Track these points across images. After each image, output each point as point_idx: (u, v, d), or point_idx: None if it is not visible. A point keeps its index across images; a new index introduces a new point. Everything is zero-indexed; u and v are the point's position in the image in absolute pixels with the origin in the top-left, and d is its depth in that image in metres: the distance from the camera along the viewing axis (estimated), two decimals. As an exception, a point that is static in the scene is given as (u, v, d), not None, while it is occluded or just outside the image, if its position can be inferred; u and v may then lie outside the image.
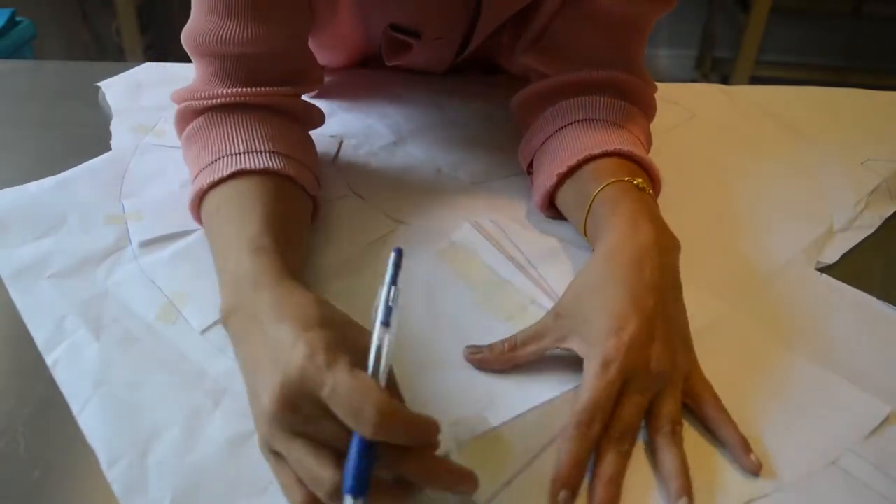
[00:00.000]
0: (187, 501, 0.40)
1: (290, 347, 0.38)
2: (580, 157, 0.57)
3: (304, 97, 0.63)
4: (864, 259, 0.59)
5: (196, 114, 0.58)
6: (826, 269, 0.57)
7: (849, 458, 0.43)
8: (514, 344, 0.48)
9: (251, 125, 0.56)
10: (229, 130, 0.56)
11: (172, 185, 0.63)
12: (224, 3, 0.55)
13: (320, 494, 0.36)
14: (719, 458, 0.43)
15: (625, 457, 0.43)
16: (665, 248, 0.50)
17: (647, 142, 0.63)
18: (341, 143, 0.70)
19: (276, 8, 0.57)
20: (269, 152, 0.54)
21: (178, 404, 0.45)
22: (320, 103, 0.75)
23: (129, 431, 0.43)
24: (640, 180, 0.55)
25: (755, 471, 0.42)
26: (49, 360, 0.48)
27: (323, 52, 0.73)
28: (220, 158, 0.54)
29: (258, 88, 0.57)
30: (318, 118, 0.64)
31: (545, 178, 0.60)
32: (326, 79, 0.80)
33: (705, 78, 2.40)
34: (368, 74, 0.81)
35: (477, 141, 0.71)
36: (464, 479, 0.37)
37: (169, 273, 0.54)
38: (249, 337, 0.42)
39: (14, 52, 1.59)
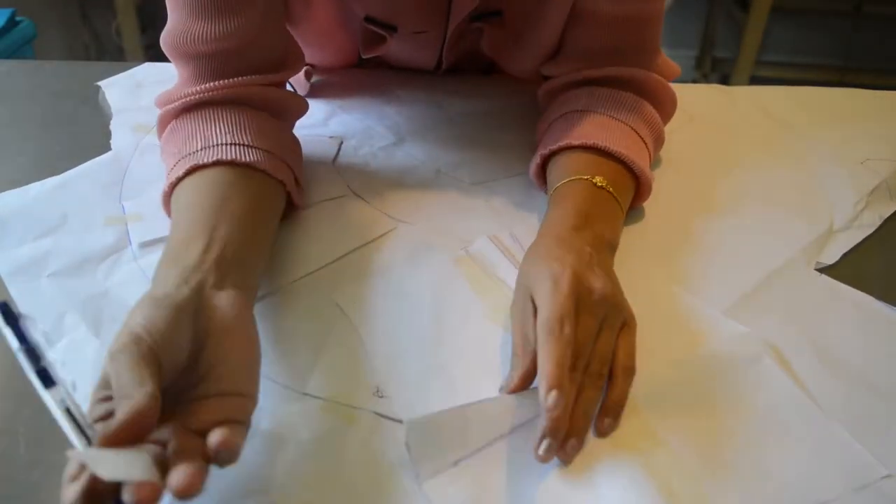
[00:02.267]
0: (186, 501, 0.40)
1: None
2: (561, 144, 0.60)
3: (303, 91, 0.65)
4: (863, 259, 0.59)
5: (170, 117, 0.59)
6: (826, 270, 0.57)
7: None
8: (519, 349, 0.47)
9: (215, 120, 0.56)
10: (190, 129, 0.56)
11: (172, 185, 0.63)
12: (194, 3, 0.56)
13: None
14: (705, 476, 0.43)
15: (592, 377, 0.45)
16: (590, 238, 0.52)
17: (654, 136, 0.64)
18: (341, 143, 0.70)
19: (243, 1, 0.57)
20: (228, 144, 0.54)
21: (177, 404, 0.45)
22: (320, 104, 0.76)
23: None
24: (599, 178, 0.57)
25: (602, 432, 0.44)
26: (49, 359, 0.48)
27: (310, 50, 0.73)
28: (180, 160, 0.54)
29: (224, 81, 0.57)
30: (296, 108, 0.64)
31: (535, 158, 0.63)
32: (326, 79, 0.80)
33: (705, 78, 2.40)
34: (368, 75, 0.81)
35: (477, 141, 0.71)
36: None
37: (169, 273, 0.54)
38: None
39: (14, 52, 1.59)
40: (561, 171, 0.60)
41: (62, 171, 0.65)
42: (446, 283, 0.55)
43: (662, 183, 0.65)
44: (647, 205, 0.63)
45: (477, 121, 0.74)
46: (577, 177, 0.57)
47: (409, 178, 0.66)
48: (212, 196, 0.51)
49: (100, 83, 0.78)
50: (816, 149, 0.72)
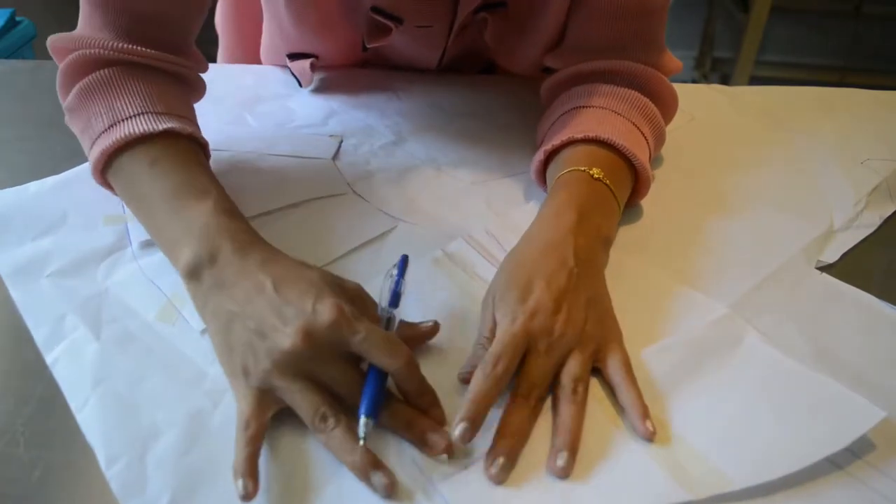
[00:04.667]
0: (185, 501, 0.40)
1: (316, 300, 0.44)
2: (562, 139, 0.60)
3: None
4: (864, 258, 0.59)
5: (98, 65, 0.57)
6: (826, 269, 0.57)
7: (846, 456, 0.43)
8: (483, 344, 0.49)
9: (166, 87, 0.58)
10: (146, 88, 0.57)
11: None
12: None
13: (319, 424, 0.42)
14: (700, 450, 0.43)
15: (529, 410, 0.44)
16: (585, 233, 0.52)
17: (655, 133, 0.64)
18: (341, 142, 0.70)
19: None
20: (187, 119, 0.57)
21: (177, 404, 0.45)
22: (320, 102, 0.76)
23: (129, 430, 0.43)
24: (596, 170, 0.56)
25: (649, 437, 0.43)
26: (49, 359, 0.48)
27: (313, 39, 0.74)
28: (143, 114, 0.55)
29: (160, 52, 0.58)
30: (202, 91, 0.65)
31: (537, 154, 0.63)
32: (327, 78, 0.80)
33: (705, 78, 2.40)
34: (368, 74, 0.81)
35: (477, 140, 0.71)
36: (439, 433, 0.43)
37: (169, 273, 0.54)
38: (237, 287, 0.46)
39: (14, 52, 1.60)
40: (559, 164, 0.60)
41: (62, 171, 0.65)
42: (433, 282, 0.55)
43: (663, 182, 0.65)
44: (647, 204, 0.63)
45: (477, 120, 0.74)
46: (574, 168, 0.57)
47: (410, 177, 0.66)
48: (199, 163, 0.55)
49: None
50: (816, 148, 0.72)
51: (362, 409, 0.42)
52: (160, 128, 0.54)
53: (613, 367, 0.47)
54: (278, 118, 0.73)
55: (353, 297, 0.47)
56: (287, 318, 0.43)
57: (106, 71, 0.57)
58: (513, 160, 0.68)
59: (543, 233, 0.53)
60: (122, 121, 0.55)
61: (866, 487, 0.42)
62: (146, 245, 0.57)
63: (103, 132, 0.55)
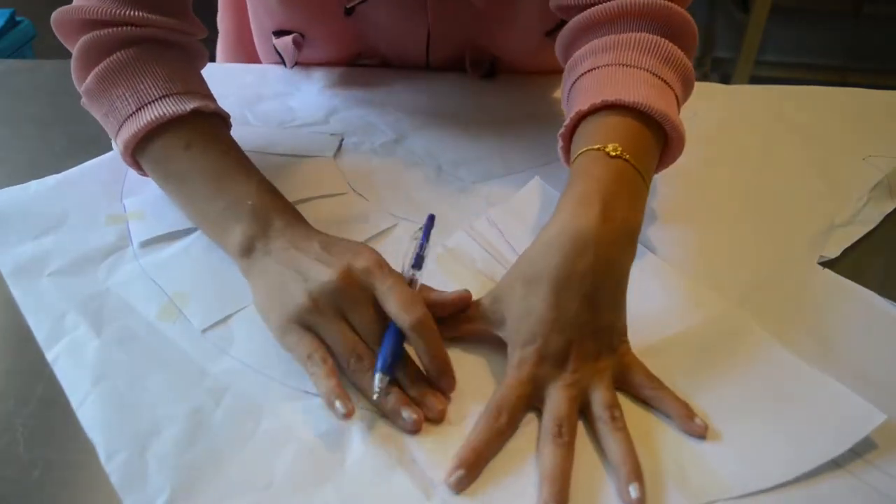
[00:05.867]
0: (185, 497, 0.40)
1: (356, 252, 0.48)
2: (572, 115, 0.55)
3: None
4: (864, 255, 0.59)
5: (112, 47, 0.57)
6: (827, 265, 0.57)
7: (846, 455, 0.43)
8: (457, 321, 0.49)
9: (180, 65, 0.59)
10: (164, 69, 0.57)
11: (173, 183, 0.63)
12: None
13: (355, 364, 0.45)
14: (700, 455, 0.43)
15: (565, 448, 0.42)
16: (608, 235, 0.47)
17: (680, 77, 0.57)
18: (342, 140, 0.70)
19: None
20: (206, 95, 0.58)
21: (178, 402, 0.45)
22: (321, 101, 0.76)
23: (129, 426, 0.43)
24: (613, 145, 0.50)
25: (701, 434, 0.43)
26: (49, 357, 0.48)
27: (296, 8, 0.74)
28: (167, 96, 0.56)
29: (162, 18, 0.58)
30: (204, 61, 0.65)
31: (558, 143, 0.57)
32: (327, 77, 0.80)
33: (705, 78, 2.40)
34: (369, 73, 0.81)
35: (478, 140, 0.71)
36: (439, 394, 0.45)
37: (170, 272, 0.54)
38: (286, 252, 0.49)
39: (14, 52, 1.60)
40: (575, 144, 0.54)
41: (62, 171, 0.65)
42: (438, 280, 0.54)
43: (663, 179, 0.65)
44: (648, 201, 0.62)
45: (478, 119, 0.74)
46: (588, 147, 0.51)
47: (410, 176, 0.66)
48: (231, 143, 0.57)
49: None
50: (817, 146, 0.72)
51: (378, 365, 0.44)
52: (188, 109, 0.55)
53: (642, 386, 0.46)
54: (279, 117, 0.73)
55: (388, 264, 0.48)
56: (329, 262, 0.47)
57: (120, 54, 0.57)
58: (513, 159, 0.68)
59: (561, 236, 0.47)
60: (149, 104, 0.56)
61: (866, 486, 0.42)
62: (147, 244, 0.57)
63: (130, 115, 0.56)
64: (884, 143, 0.72)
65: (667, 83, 0.55)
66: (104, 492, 0.41)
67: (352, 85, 0.79)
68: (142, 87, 0.56)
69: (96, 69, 0.58)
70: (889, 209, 0.64)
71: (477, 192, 0.64)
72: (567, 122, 0.55)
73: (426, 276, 0.51)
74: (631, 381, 0.46)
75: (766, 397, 0.46)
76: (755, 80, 2.19)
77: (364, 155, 0.68)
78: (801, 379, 0.47)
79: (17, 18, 1.63)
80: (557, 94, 0.78)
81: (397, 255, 0.50)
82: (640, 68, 0.54)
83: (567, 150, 0.56)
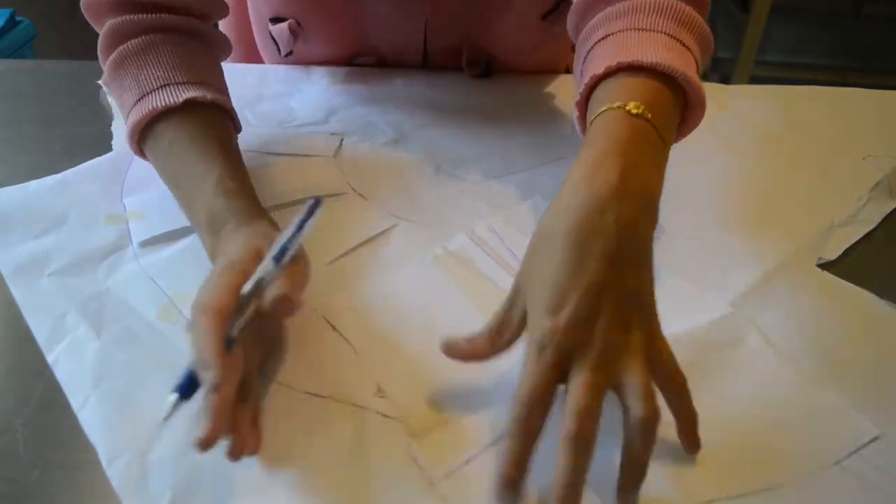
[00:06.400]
0: (186, 500, 0.40)
1: (205, 287, 0.44)
2: (586, 81, 0.51)
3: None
4: (863, 257, 0.59)
5: (128, 34, 0.58)
6: (826, 266, 0.57)
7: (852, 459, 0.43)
8: (491, 333, 0.44)
9: (188, 54, 0.58)
10: (170, 57, 0.58)
11: (173, 184, 0.63)
12: None
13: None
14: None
15: (584, 452, 0.38)
16: (628, 197, 0.42)
17: (698, 40, 0.54)
18: (342, 140, 0.70)
19: None
20: (209, 84, 0.58)
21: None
22: (321, 101, 0.76)
23: (130, 429, 0.43)
24: (634, 104, 0.46)
25: (693, 452, 0.42)
26: (50, 358, 0.48)
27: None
28: (165, 86, 0.56)
29: (176, 16, 0.59)
30: (227, 50, 0.66)
31: (572, 112, 0.54)
32: (326, 77, 0.80)
33: (705, 78, 2.38)
34: (369, 72, 0.81)
35: (478, 139, 0.71)
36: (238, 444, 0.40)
37: (170, 272, 0.54)
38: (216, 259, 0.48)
39: (14, 52, 1.60)
40: (592, 106, 0.50)
41: (62, 171, 0.65)
42: (434, 283, 0.54)
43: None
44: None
45: (478, 118, 0.74)
46: (608, 106, 0.47)
47: (410, 176, 0.66)
48: (211, 138, 0.55)
49: (101, 81, 0.78)
50: (817, 146, 0.72)
51: (175, 384, 0.40)
52: (180, 100, 0.55)
53: (665, 376, 0.41)
54: (279, 117, 0.73)
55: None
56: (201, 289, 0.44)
57: (133, 42, 0.58)
58: (513, 159, 0.68)
59: (577, 200, 0.43)
60: (148, 94, 0.56)
61: (866, 485, 0.42)
62: (147, 244, 0.57)
63: (133, 107, 0.57)
64: (884, 143, 0.72)
65: (685, 46, 0.52)
66: (104, 492, 0.41)
67: (352, 84, 0.79)
68: (143, 75, 0.57)
69: (110, 58, 0.59)
70: (889, 209, 0.64)
71: (477, 192, 0.64)
72: (581, 88, 0.52)
73: (429, 278, 0.50)
74: (656, 372, 0.41)
75: (761, 404, 0.46)
76: (755, 80, 2.19)
77: (364, 155, 0.68)
78: (798, 389, 0.47)
79: (17, 18, 1.63)
80: (557, 93, 0.78)
81: (397, 255, 0.50)
82: (657, 31, 0.51)
83: (583, 118, 0.53)
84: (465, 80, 0.80)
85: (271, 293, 0.42)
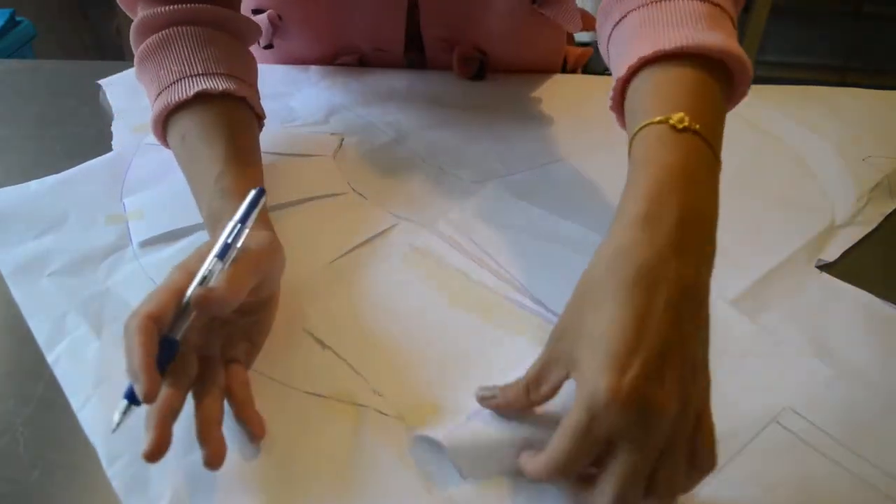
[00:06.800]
0: (186, 500, 0.40)
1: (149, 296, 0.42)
2: (620, 74, 0.47)
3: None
4: (864, 257, 0.59)
5: (153, 28, 0.60)
6: (826, 267, 0.57)
7: (789, 416, 0.45)
8: (527, 387, 0.41)
9: (205, 45, 0.59)
10: (188, 50, 0.58)
11: (173, 184, 0.63)
12: None
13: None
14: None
15: None
16: (688, 247, 0.38)
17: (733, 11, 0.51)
18: (342, 140, 0.70)
19: None
20: (225, 75, 0.57)
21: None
22: (321, 101, 0.76)
23: (130, 429, 0.43)
24: (679, 115, 0.41)
25: None
26: (50, 358, 0.48)
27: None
28: (180, 80, 0.56)
29: (202, 6, 0.60)
30: (256, 33, 0.66)
31: (609, 101, 0.50)
32: (327, 77, 0.80)
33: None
34: (369, 73, 0.81)
35: (478, 139, 0.71)
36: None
37: (170, 272, 0.54)
38: None
39: (14, 52, 1.60)
40: (632, 110, 0.46)
41: (62, 171, 0.65)
42: (407, 277, 0.55)
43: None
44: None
45: (478, 119, 0.74)
46: (649, 120, 0.42)
47: (410, 176, 0.66)
48: (218, 134, 0.55)
49: (101, 81, 0.78)
50: (818, 146, 0.72)
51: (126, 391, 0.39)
52: (191, 93, 0.55)
53: (700, 460, 0.37)
54: (279, 116, 0.73)
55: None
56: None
57: (155, 38, 0.59)
58: (513, 159, 0.68)
59: (633, 247, 0.38)
60: (165, 89, 0.57)
61: (866, 486, 0.42)
62: (147, 244, 0.57)
63: (154, 102, 0.58)
64: (884, 143, 0.72)
65: (719, 6, 0.48)
66: (104, 492, 0.41)
67: (352, 85, 0.79)
68: (162, 71, 0.58)
69: (136, 55, 0.60)
70: (889, 210, 0.64)
71: (476, 192, 0.64)
72: (615, 83, 0.48)
73: (400, 275, 0.50)
74: (693, 457, 0.36)
75: (720, 354, 0.45)
76: (755, 80, 2.17)
77: (364, 155, 0.68)
78: (751, 341, 0.50)
79: (17, 18, 1.63)
80: (557, 93, 0.78)
81: (398, 255, 0.51)
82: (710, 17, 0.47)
83: (621, 110, 0.49)
84: (465, 80, 0.80)
85: (197, 292, 0.41)
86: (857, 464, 0.43)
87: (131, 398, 0.39)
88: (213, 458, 0.39)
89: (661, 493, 0.35)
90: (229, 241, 0.44)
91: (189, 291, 0.42)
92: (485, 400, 0.43)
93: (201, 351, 0.44)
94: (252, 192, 0.46)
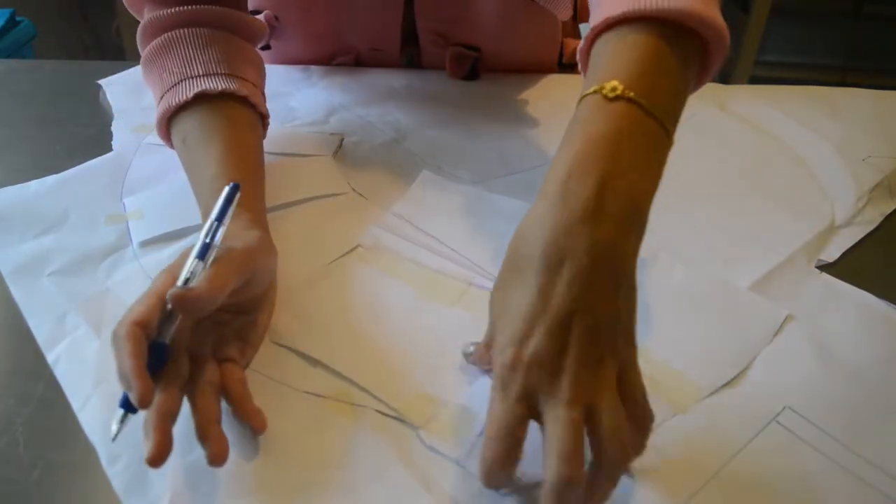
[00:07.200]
0: (186, 500, 0.40)
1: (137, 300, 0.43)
2: (588, 32, 0.45)
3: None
4: (864, 257, 0.59)
5: (158, 30, 0.60)
6: (826, 267, 0.57)
7: (789, 416, 0.45)
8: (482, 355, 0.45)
9: (207, 46, 0.59)
10: (190, 50, 0.59)
11: (173, 185, 0.63)
12: None
13: None
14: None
15: (576, 500, 0.35)
16: (603, 217, 0.38)
17: None
18: (342, 140, 0.70)
19: None
20: (226, 75, 0.58)
21: (178, 403, 0.45)
22: (321, 101, 0.76)
23: (130, 429, 0.43)
24: (612, 83, 0.40)
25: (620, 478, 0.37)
26: (50, 358, 0.48)
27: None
28: (180, 82, 0.57)
29: (207, 7, 0.60)
30: (262, 32, 0.66)
31: (580, 63, 0.48)
32: (327, 77, 0.80)
33: (705, 78, 2.39)
34: (368, 73, 0.81)
35: (477, 139, 0.71)
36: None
37: (169, 272, 0.54)
38: None
39: (14, 52, 1.60)
40: (585, 79, 0.45)
41: (62, 171, 0.65)
42: (371, 275, 0.55)
43: (662, 179, 0.64)
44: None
45: (478, 118, 0.74)
46: (586, 91, 0.41)
47: (410, 176, 0.66)
48: (215, 135, 0.55)
49: (101, 81, 0.78)
50: (818, 146, 0.72)
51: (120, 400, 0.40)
52: (191, 95, 0.56)
53: (633, 412, 0.38)
54: (279, 116, 0.73)
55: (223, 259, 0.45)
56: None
57: (159, 40, 0.59)
58: (513, 159, 0.68)
59: (548, 219, 0.39)
60: (167, 92, 0.57)
61: (866, 486, 0.42)
62: (147, 244, 0.57)
63: (158, 105, 0.58)
64: (884, 144, 0.72)
65: None
66: (104, 492, 0.41)
67: (352, 85, 0.79)
68: (165, 74, 0.58)
69: (142, 58, 0.61)
70: (889, 210, 0.64)
71: (477, 192, 0.64)
72: (581, 43, 0.46)
73: (361, 273, 0.50)
74: (626, 408, 0.38)
75: (681, 310, 0.52)
76: (755, 80, 2.19)
77: (364, 155, 0.68)
78: (711, 293, 0.53)
79: (17, 18, 1.63)
80: (557, 93, 0.78)
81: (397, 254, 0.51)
82: None
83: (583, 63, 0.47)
84: (464, 80, 0.80)
85: (172, 292, 0.41)
86: (857, 464, 0.43)
87: (127, 406, 0.39)
88: (216, 456, 0.39)
89: (607, 446, 0.36)
90: (208, 240, 0.43)
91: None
92: (467, 356, 0.47)
93: (193, 351, 0.44)
94: (226, 189, 0.45)
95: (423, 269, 0.55)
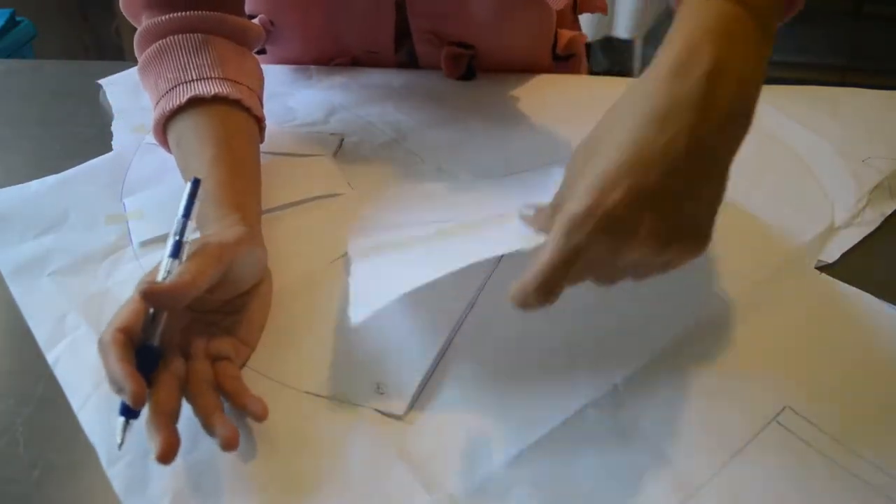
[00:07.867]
0: (186, 500, 0.40)
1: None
2: None
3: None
4: (863, 258, 0.59)
5: (153, 38, 0.60)
6: (826, 268, 0.57)
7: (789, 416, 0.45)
8: (552, 212, 0.42)
9: (200, 51, 0.59)
10: (185, 56, 0.59)
11: (173, 185, 0.63)
12: None
13: None
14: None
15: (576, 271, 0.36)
16: (711, 108, 0.37)
17: None
18: (342, 140, 0.70)
19: None
20: (218, 79, 0.58)
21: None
22: (321, 101, 0.76)
23: (131, 429, 0.43)
24: None
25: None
26: (50, 358, 0.48)
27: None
28: (175, 86, 0.57)
29: (202, 13, 0.60)
30: (258, 36, 0.66)
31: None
32: (326, 77, 0.80)
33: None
34: (368, 73, 0.81)
35: (478, 138, 0.71)
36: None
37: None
38: None
39: (14, 52, 1.60)
40: None
41: (62, 171, 0.65)
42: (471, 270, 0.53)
43: None
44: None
45: (478, 118, 0.74)
46: None
47: (410, 176, 0.66)
48: (209, 138, 0.55)
49: (101, 81, 0.78)
50: (818, 147, 0.72)
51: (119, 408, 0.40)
52: (184, 99, 0.56)
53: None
54: (279, 116, 0.73)
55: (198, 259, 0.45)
56: None
57: (155, 46, 0.60)
58: (513, 159, 0.68)
59: (649, 99, 0.37)
60: (163, 96, 0.58)
61: (866, 485, 0.42)
62: (147, 244, 0.57)
63: (154, 108, 0.59)
64: (884, 144, 0.72)
65: None
66: (104, 492, 0.41)
67: (351, 85, 0.79)
68: (161, 80, 0.59)
69: (139, 64, 0.61)
70: (889, 211, 0.64)
71: (477, 192, 0.64)
72: None
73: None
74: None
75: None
76: (755, 80, 2.19)
77: (364, 155, 0.68)
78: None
79: (17, 18, 1.63)
80: (558, 93, 0.78)
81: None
82: None
83: None
84: (463, 80, 0.80)
85: (142, 286, 0.41)
86: (857, 464, 0.43)
87: (126, 412, 0.39)
88: (229, 440, 0.40)
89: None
90: (177, 237, 0.44)
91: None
92: (524, 217, 0.44)
93: (186, 351, 0.44)
94: (188, 185, 0.46)
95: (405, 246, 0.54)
